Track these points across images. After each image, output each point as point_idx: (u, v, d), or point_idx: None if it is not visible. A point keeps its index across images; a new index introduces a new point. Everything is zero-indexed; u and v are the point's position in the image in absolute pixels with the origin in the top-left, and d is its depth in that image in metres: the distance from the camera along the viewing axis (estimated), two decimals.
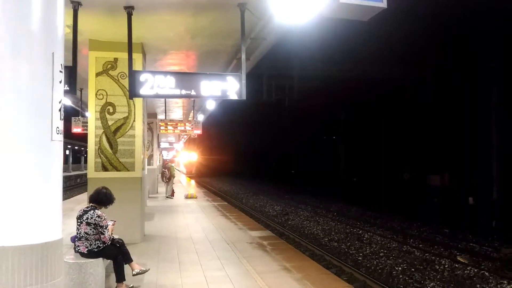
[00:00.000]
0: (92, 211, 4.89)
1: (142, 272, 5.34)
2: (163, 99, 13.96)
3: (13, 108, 2.48)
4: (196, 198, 17.87)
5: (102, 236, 4.86)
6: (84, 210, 4.95)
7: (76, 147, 56.26)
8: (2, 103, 2.46)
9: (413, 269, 9.83)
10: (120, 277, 5.04)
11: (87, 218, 4.84)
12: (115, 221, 5.31)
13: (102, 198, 5.06)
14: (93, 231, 4.86)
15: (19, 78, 2.49)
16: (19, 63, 2.50)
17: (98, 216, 4.86)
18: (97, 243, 4.89)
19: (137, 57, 7.43)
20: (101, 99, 7.77)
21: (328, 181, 34.14)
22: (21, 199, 2.49)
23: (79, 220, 4.91)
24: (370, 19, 4.12)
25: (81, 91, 11.53)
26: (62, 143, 2.76)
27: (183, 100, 14.67)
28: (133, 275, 5.24)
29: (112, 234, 5.15)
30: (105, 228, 4.88)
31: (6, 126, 2.46)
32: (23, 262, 2.47)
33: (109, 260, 5.13)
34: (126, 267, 5.16)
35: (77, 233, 4.93)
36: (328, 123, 37.13)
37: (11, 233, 2.46)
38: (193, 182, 36.77)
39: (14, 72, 2.48)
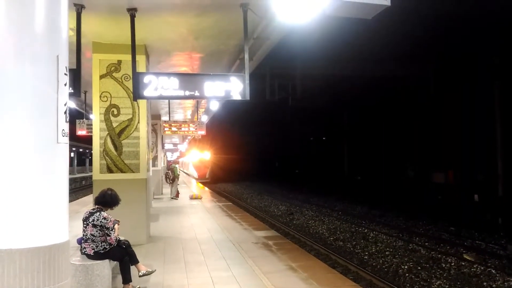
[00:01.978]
0: (98, 213, 4.91)
1: (148, 273, 5.35)
2: (167, 101, 13.99)
3: (18, 111, 2.49)
4: (201, 198, 17.89)
5: (108, 237, 4.88)
6: (90, 212, 4.96)
7: (81, 150, 56.53)
8: (8, 106, 2.47)
9: (419, 268, 9.79)
10: (127, 279, 5.05)
11: (93, 220, 4.86)
12: (119, 221, 5.32)
13: (107, 200, 5.08)
14: (99, 233, 4.87)
15: (24, 81, 2.51)
16: (24, 66, 2.51)
17: (104, 218, 4.87)
18: (104, 245, 4.90)
19: (140, 59, 7.44)
20: (105, 101, 7.79)
21: (332, 180, 34.08)
22: (28, 202, 2.50)
23: (85, 222, 4.92)
24: (374, 17, 4.11)
25: (85, 93, 11.57)
26: (67, 146, 2.77)
27: (187, 101, 14.68)
28: (140, 276, 5.25)
29: (118, 235, 5.17)
30: (111, 230, 4.90)
31: (12, 129, 2.47)
32: (30, 264, 2.48)
33: (115, 262, 5.14)
34: (133, 268, 5.18)
35: (83, 235, 4.94)
36: (331, 122, 37.08)
37: (18, 236, 2.47)
38: (207, 189, 27.61)
39: (20, 75, 2.50)
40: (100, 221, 4.84)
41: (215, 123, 34.21)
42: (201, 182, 36.50)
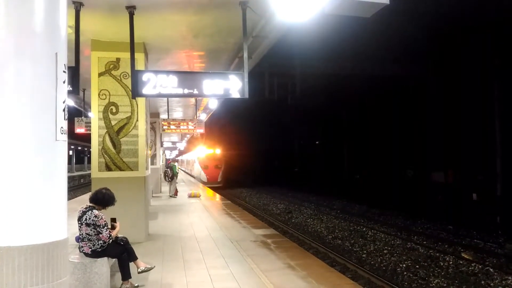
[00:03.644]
0: (89, 211, 4.89)
1: (148, 270, 5.34)
2: (166, 99, 13.97)
3: (17, 108, 2.49)
4: (199, 197, 17.89)
5: (100, 235, 4.85)
6: (82, 211, 4.94)
7: (79, 148, 56.43)
8: (6, 103, 2.47)
9: (417, 266, 9.82)
10: (126, 275, 5.05)
11: (86, 219, 4.84)
12: (115, 219, 5.31)
13: (99, 198, 5.04)
14: (93, 232, 4.85)
15: (23, 78, 2.51)
16: (23, 63, 2.51)
17: (95, 216, 4.85)
18: (100, 243, 4.88)
19: (139, 57, 7.42)
20: (104, 99, 7.78)
21: (331, 178, 34.10)
22: (26, 199, 2.50)
23: (79, 222, 4.91)
24: (373, 16, 4.11)
25: (83, 91, 11.55)
26: (66, 143, 2.77)
27: (186, 99, 14.68)
28: (139, 272, 5.25)
29: (117, 233, 5.15)
30: (103, 227, 4.86)
31: (11, 126, 2.47)
32: (29, 262, 2.49)
33: (114, 259, 5.14)
34: (131, 265, 5.18)
35: (80, 234, 4.94)
36: (330, 121, 37.08)
37: (17, 233, 2.47)
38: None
39: (18, 72, 2.50)
40: (92, 220, 4.83)
41: (214, 121, 33.94)
42: (210, 187, 26.71)
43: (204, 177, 34.19)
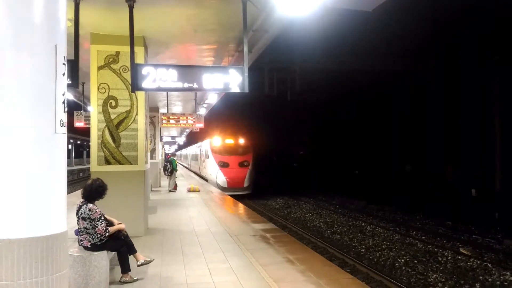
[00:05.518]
0: (84, 205, 4.90)
1: (147, 263, 5.35)
2: (165, 93, 13.95)
3: (16, 101, 2.47)
4: (198, 191, 17.90)
5: (96, 229, 4.85)
6: (79, 205, 4.96)
7: (78, 141, 56.43)
8: (5, 96, 2.46)
9: (416, 261, 9.85)
10: (125, 268, 5.07)
11: (81, 213, 4.86)
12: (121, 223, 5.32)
13: (87, 194, 5.01)
14: (90, 225, 4.86)
15: (22, 70, 2.49)
16: (22, 55, 2.49)
17: (90, 210, 4.85)
18: (98, 236, 4.89)
19: (138, 50, 7.39)
20: (103, 93, 7.76)
21: (330, 174, 34.12)
22: (26, 192, 2.49)
23: (77, 216, 4.93)
24: (374, 10, 4.09)
25: (83, 85, 11.53)
26: (65, 136, 2.76)
27: (185, 94, 14.65)
28: (138, 265, 5.26)
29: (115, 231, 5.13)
30: (98, 221, 4.86)
31: (10, 119, 2.46)
32: (28, 254, 2.48)
33: (113, 253, 5.14)
34: (131, 258, 5.18)
35: (78, 228, 4.95)
36: (329, 116, 37.02)
37: (16, 226, 2.47)
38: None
39: (17, 64, 2.48)
40: (87, 214, 4.83)
41: (213, 117, 33.34)
42: (232, 196, 17.56)
43: (222, 180, 22.80)
